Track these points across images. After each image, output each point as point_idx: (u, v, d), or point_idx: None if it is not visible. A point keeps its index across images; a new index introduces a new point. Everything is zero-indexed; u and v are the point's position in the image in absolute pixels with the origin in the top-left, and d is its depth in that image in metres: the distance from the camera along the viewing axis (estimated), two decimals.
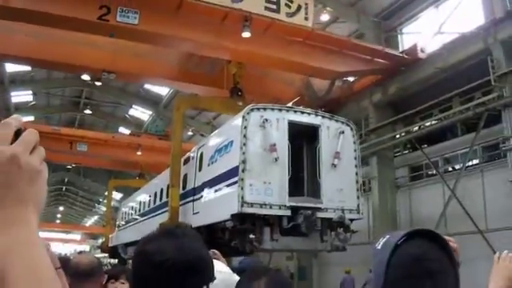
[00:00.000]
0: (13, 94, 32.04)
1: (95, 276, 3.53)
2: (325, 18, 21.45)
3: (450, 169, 18.92)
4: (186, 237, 1.71)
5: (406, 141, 19.49)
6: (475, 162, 17.54)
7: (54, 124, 39.54)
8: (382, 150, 19.63)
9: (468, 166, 17.00)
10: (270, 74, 19.67)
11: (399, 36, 21.51)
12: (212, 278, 1.78)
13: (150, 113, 36.24)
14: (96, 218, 75.35)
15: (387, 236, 1.58)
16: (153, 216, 19.35)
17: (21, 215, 0.91)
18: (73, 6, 13.44)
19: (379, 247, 1.57)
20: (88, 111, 36.52)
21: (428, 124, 18.10)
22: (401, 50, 19.42)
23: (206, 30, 14.84)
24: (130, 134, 32.99)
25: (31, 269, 0.86)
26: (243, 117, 11.75)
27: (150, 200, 21.22)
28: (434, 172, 18.47)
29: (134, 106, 37.34)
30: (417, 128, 18.67)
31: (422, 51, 17.79)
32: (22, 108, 34.56)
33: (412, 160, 20.00)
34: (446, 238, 1.61)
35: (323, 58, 16.71)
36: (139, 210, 23.61)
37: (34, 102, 34.87)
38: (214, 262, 3.82)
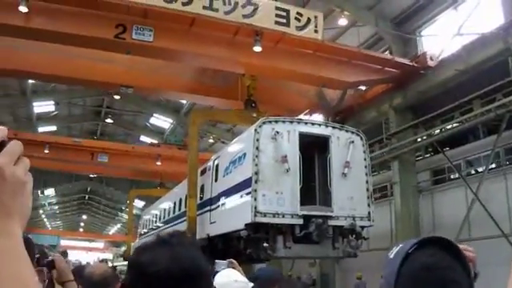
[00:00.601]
0: (35, 104, 32.98)
1: (109, 286, 3.61)
2: (343, 22, 21.69)
3: (473, 172, 18.81)
4: (181, 245, 1.66)
5: (428, 144, 19.44)
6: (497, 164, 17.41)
7: (76, 133, 41.05)
8: (403, 154, 19.53)
9: (491, 169, 16.88)
10: (284, 85, 20.12)
11: (418, 39, 21.40)
12: (210, 287, 1.75)
13: (171, 121, 36.96)
14: (119, 226, 75.98)
15: (400, 245, 1.55)
16: (172, 225, 20.02)
17: (5, 227, 0.92)
18: (90, 25, 14.20)
19: (391, 256, 1.53)
20: (109, 120, 37.44)
21: (449, 127, 17.87)
22: (420, 52, 19.62)
23: (219, 45, 15.48)
24: (149, 145, 33.78)
25: (15, 282, 0.88)
26: (255, 130, 12.33)
27: (169, 209, 21.93)
28: (457, 175, 18.32)
29: (154, 114, 37.97)
30: (438, 131, 18.46)
31: (432, 59, 18.01)
32: (44, 118, 35.79)
33: (434, 164, 19.89)
34: (464, 246, 1.58)
35: (334, 68, 17.18)
36: (159, 219, 24.37)
37: (55, 112, 35.69)
38: (231, 271, 4.30)
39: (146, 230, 28.51)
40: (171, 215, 21.24)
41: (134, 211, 46.10)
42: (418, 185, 19.91)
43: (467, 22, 17.90)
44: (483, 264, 1.73)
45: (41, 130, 37.07)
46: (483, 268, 1.63)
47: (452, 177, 19.16)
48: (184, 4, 14.46)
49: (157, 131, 39.48)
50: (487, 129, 17.61)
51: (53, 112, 35.42)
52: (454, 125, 17.57)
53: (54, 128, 38.70)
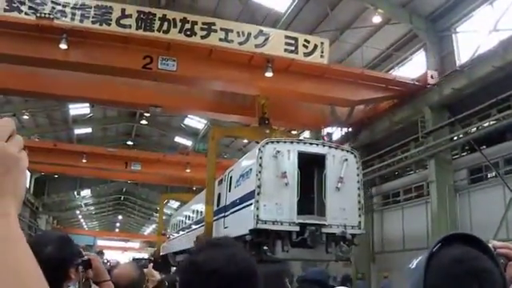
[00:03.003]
0: (71, 106, 34.21)
1: None
2: (377, 20, 22.39)
3: None
4: (234, 247, 1.75)
5: (464, 142, 19.46)
6: None
7: (111, 135, 44.09)
8: (439, 153, 19.61)
9: None
10: (297, 102, 22.37)
11: (453, 35, 21.43)
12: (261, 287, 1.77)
13: (205, 122, 38.26)
14: (154, 226, 77.28)
15: (420, 257, 1.51)
16: (196, 228, 22.76)
17: None
18: (121, 57, 17.22)
19: (413, 266, 1.51)
20: (144, 122, 39.08)
21: (486, 124, 17.89)
22: (456, 50, 20.88)
23: (235, 71, 18.23)
24: (179, 153, 36.61)
25: (11, 263, 0.85)
26: (259, 149, 14.90)
27: (193, 214, 24.77)
28: (494, 174, 18.19)
29: (189, 115, 38.89)
30: (475, 129, 18.52)
31: (432, 77, 19.95)
32: (79, 120, 37.94)
33: (471, 162, 19.64)
34: (498, 243, 1.64)
35: (340, 89, 19.60)
36: (185, 223, 27.26)
37: (91, 114, 37.21)
38: None
39: (174, 232, 31.51)
40: (195, 219, 24.03)
41: (169, 211, 49.14)
42: (454, 184, 19.82)
43: (503, 18, 17.96)
44: None
45: (77, 132, 39.95)
46: None
47: (489, 175, 18.90)
48: (202, 37, 17.31)
49: (191, 132, 40.86)
50: None
51: (88, 114, 36.95)
52: (491, 122, 17.64)
53: (89, 130, 41.05)
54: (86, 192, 57.27)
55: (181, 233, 27.86)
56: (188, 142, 42.83)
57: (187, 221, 26.34)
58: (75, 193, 53.39)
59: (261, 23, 24.06)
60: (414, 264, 1.51)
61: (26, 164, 0.96)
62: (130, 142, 45.07)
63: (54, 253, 2.42)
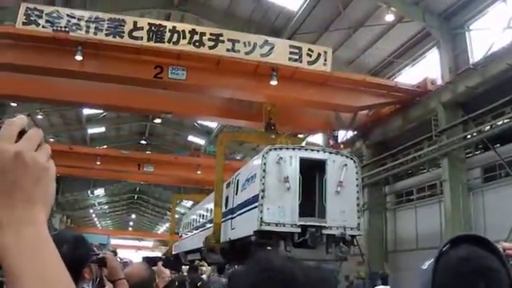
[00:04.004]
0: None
1: None
2: (390, 18, 22.73)
3: None
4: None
5: (478, 141, 19.44)
6: None
7: (125, 134, 45.15)
8: (452, 151, 19.64)
9: None
10: (302, 107, 23.19)
11: (467, 33, 21.53)
12: None
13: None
14: (167, 224, 76.96)
15: (432, 258, 1.57)
16: (206, 229, 24.00)
17: (29, 215, 0.93)
18: (134, 67, 18.51)
19: (424, 267, 1.58)
20: (157, 120, 38.97)
21: (500, 123, 17.89)
22: (469, 48, 21.17)
23: (241, 79, 19.40)
24: (189, 155, 37.84)
25: (41, 270, 0.90)
26: (263, 156, 16.06)
27: (204, 215, 26.07)
28: (508, 172, 18.06)
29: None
30: (488, 127, 18.60)
31: (432, 83, 20.90)
32: (93, 120, 38.79)
33: (484, 161, 19.63)
34: (508, 245, 1.72)
35: (342, 95, 20.69)
36: (197, 222, 28.55)
37: (104, 114, 37.70)
38: None
39: (186, 232, 32.84)
40: (205, 220, 25.30)
41: (182, 210, 50.24)
42: (468, 182, 19.82)
43: None
44: None
45: (90, 131, 41.11)
46: None
47: (503, 174, 18.71)
48: (210, 48, 18.50)
49: (204, 131, 41.74)
50: None
51: (102, 114, 37.40)
52: (505, 120, 17.64)
53: (102, 129, 42.11)
54: (100, 191, 57.98)
55: (192, 232, 29.17)
56: (201, 141, 43.71)
57: (199, 220, 27.65)
58: (89, 192, 54.00)
59: (273, 22, 25.46)
60: (425, 265, 1.60)
61: (54, 172, 1.01)
62: (143, 141, 46.04)
63: (69, 253, 2.34)
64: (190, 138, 44.55)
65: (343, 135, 27.09)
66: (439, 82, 21.20)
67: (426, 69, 23.36)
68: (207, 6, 26.66)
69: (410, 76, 24.79)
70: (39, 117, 33.04)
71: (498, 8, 19.89)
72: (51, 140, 36.53)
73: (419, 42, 24.10)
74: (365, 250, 23.83)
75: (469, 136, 19.65)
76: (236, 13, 26.34)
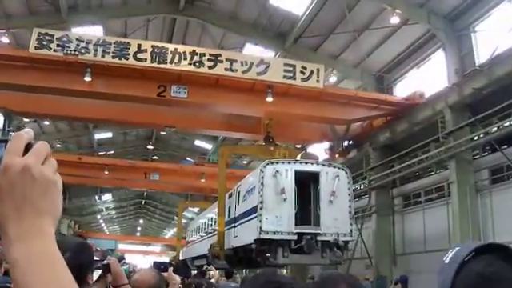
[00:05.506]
0: None
1: None
2: (395, 20, 22.81)
3: None
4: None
5: (485, 142, 19.56)
6: None
7: (131, 139, 46.34)
8: (460, 153, 19.77)
9: None
10: (298, 121, 24.75)
11: (472, 34, 21.71)
12: None
13: None
14: (175, 229, 77.18)
15: (457, 248, 1.54)
16: (210, 236, 25.57)
17: (38, 228, 0.96)
18: (139, 87, 20.12)
19: (447, 261, 1.52)
20: (162, 133, 40.16)
21: (507, 124, 18.05)
22: (475, 49, 21.46)
23: (239, 96, 20.91)
24: (195, 164, 39.39)
25: (49, 284, 0.92)
26: (261, 170, 17.57)
27: (208, 223, 27.70)
28: None
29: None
30: (495, 129, 18.76)
31: (421, 97, 22.16)
32: (100, 126, 38.90)
33: (492, 162, 19.75)
34: None
35: (335, 109, 22.13)
36: (201, 231, 30.18)
37: None
38: None
39: (191, 239, 34.45)
40: (209, 228, 26.89)
41: (190, 215, 51.55)
42: (475, 184, 19.90)
43: None
44: None
45: (97, 136, 42.24)
46: None
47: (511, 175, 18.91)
48: (210, 67, 20.01)
49: (211, 136, 41.35)
50: None
51: None
52: None
53: (109, 135, 43.16)
54: (107, 196, 59.11)
55: (199, 238, 30.77)
56: (208, 146, 44.94)
57: (203, 229, 29.24)
58: (96, 197, 55.02)
59: (278, 26, 26.45)
60: (447, 258, 1.54)
61: (61, 186, 1.03)
62: (150, 146, 47.04)
63: (72, 259, 2.14)
64: (197, 142, 45.57)
65: (341, 145, 27.76)
66: (445, 84, 21.61)
67: (431, 71, 24.06)
68: (212, 11, 27.35)
69: (414, 79, 25.61)
70: (46, 123, 34.00)
71: (503, 9, 20.21)
72: (58, 146, 38.01)
73: (424, 44, 24.53)
74: (373, 252, 24.82)
75: (476, 138, 19.79)
76: (241, 17, 27.05)
